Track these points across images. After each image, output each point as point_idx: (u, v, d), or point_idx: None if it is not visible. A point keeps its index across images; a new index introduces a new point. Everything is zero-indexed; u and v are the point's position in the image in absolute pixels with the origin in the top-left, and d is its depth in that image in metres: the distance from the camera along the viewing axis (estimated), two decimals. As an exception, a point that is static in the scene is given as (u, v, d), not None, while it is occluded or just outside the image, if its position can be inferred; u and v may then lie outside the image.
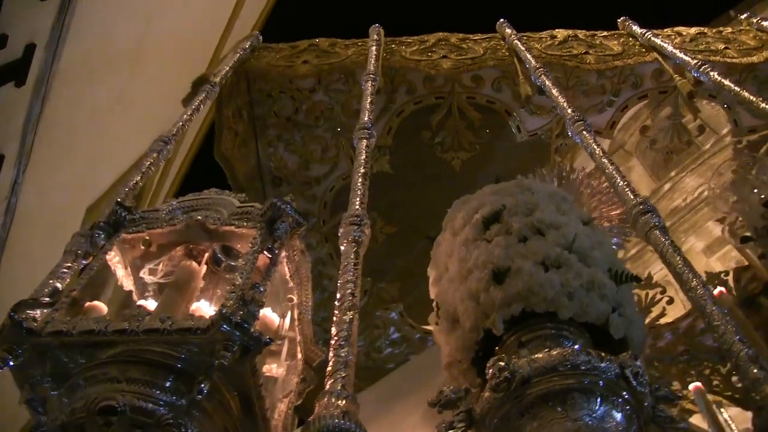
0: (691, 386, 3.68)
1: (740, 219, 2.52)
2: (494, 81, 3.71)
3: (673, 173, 8.54)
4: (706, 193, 6.57)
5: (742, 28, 3.96)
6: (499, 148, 3.98)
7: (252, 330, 1.75)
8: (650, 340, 4.03)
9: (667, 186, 8.80)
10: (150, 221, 2.16)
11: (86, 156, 5.30)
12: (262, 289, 1.88)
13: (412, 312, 4.15)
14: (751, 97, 3.05)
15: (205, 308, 2.10)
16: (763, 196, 2.24)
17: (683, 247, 8.83)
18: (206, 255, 2.17)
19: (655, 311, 3.89)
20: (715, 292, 3.59)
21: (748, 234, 2.29)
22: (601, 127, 3.87)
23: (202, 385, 1.67)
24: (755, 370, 1.59)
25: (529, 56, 3.44)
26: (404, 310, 4.19)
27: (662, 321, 3.90)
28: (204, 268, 2.15)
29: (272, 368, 2.26)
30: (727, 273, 4.09)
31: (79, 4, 4.39)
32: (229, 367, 1.73)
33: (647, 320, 4.05)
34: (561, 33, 3.84)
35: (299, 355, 2.28)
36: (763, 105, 2.97)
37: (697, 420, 3.75)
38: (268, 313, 2.17)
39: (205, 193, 2.29)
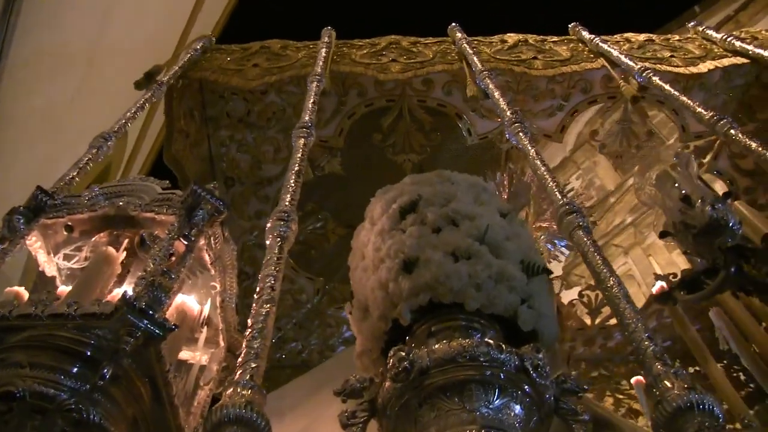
0: (633, 380, 3.72)
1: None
2: (445, 84, 3.74)
3: (637, 168, 8.59)
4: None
5: (689, 36, 4.02)
6: (452, 150, 4.01)
7: (157, 316, 1.76)
8: (601, 340, 4.06)
9: (631, 180, 8.87)
10: (71, 207, 2.17)
11: (41, 155, 5.30)
12: (173, 276, 1.90)
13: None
14: (689, 102, 3.10)
15: (126, 294, 2.12)
16: (683, 191, 2.27)
17: (646, 241, 8.92)
18: (126, 241, 2.18)
19: (606, 311, 3.93)
20: (657, 287, 3.64)
21: (667, 230, 2.31)
22: (551, 131, 3.91)
23: (105, 370, 1.68)
24: (659, 366, 1.60)
25: (475, 60, 3.47)
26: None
27: (612, 321, 3.93)
28: (123, 254, 2.16)
29: (195, 355, 2.27)
30: (675, 275, 4.15)
31: (26, 3, 4.39)
32: (135, 353, 1.74)
33: (597, 320, 4.08)
34: (512, 38, 3.87)
35: (222, 343, 2.29)
36: (700, 109, 3.02)
37: None
38: (187, 301, 2.18)
39: (130, 179, 2.31)
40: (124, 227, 2.19)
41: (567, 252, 4.07)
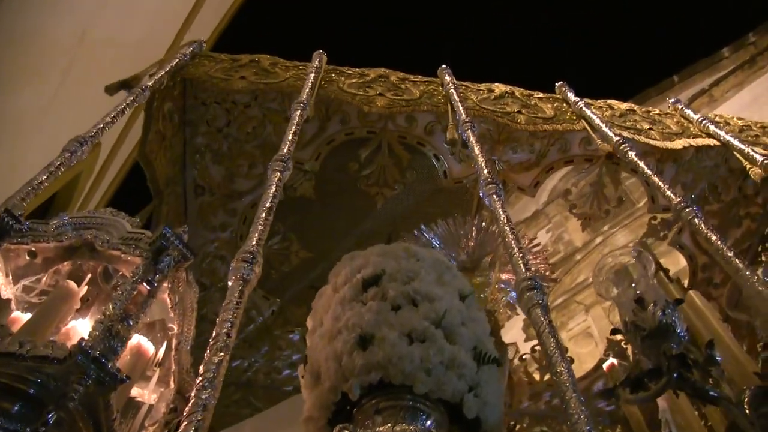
0: (571, 442, 3.81)
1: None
2: (427, 124, 3.77)
3: (606, 227, 8.86)
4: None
5: (668, 111, 4.10)
6: (425, 188, 4.04)
7: (110, 366, 1.77)
8: (547, 396, 4.16)
9: (599, 239, 9.11)
10: (37, 234, 2.15)
11: (7, 165, 5.15)
12: (131, 323, 1.91)
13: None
14: (659, 183, 3.16)
15: (81, 327, 2.12)
16: (638, 292, 2.34)
17: (607, 301, 9.16)
18: (89, 276, 2.18)
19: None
20: (607, 363, 3.73)
21: (617, 327, 2.38)
22: (525, 185, 3.96)
23: (50, 415, 1.69)
24: (596, 462, 1.65)
25: (460, 108, 3.48)
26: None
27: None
28: (84, 288, 2.15)
29: (145, 394, 2.28)
30: (626, 342, 4.27)
31: (4, 4, 4.26)
32: (83, 399, 1.75)
33: (546, 377, 4.17)
34: (499, 88, 3.90)
35: (172, 385, 2.30)
36: (669, 192, 3.09)
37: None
38: (142, 342, 2.19)
39: (101, 211, 2.30)
40: (88, 259, 2.18)
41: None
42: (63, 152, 2.81)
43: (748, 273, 2.61)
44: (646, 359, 2.27)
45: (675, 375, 2.16)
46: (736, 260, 2.70)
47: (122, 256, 2.11)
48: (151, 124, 3.64)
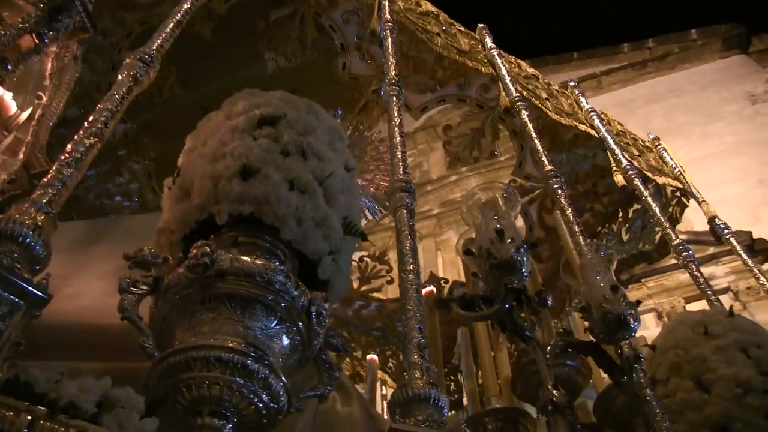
0: (368, 356, 4.02)
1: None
2: (345, 12, 3.70)
3: (464, 168, 9.25)
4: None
5: (565, 92, 4.29)
6: (318, 74, 3.96)
7: (-23, 99, 1.61)
8: (357, 305, 4.31)
9: (453, 177, 9.52)
10: None
11: None
12: (9, 68, 1.74)
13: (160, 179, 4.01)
14: (540, 147, 3.30)
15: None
16: (499, 225, 2.44)
17: (442, 236, 9.61)
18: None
19: (375, 284, 4.17)
20: (426, 290, 3.92)
21: (473, 249, 2.49)
22: (413, 106, 4.00)
23: None
24: (416, 357, 1.73)
25: (387, 7, 3.44)
26: (154, 174, 4.05)
27: (376, 294, 4.19)
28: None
29: (-13, 155, 2.10)
30: (447, 281, 4.51)
31: None
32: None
33: (363, 287, 4.31)
34: (426, 5, 3.88)
35: (20, 156, 2.13)
36: (544, 158, 3.24)
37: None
38: (6, 97, 2.00)
39: (-2, -56, 2.04)
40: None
41: (370, 215, 4.23)
42: None
43: (586, 249, 2.84)
44: (485, 286, 2.39)
45: (507, 306, 2.30)
46: (580, 236, 2.93)
47: (15, -2, 1.89)
48: None
